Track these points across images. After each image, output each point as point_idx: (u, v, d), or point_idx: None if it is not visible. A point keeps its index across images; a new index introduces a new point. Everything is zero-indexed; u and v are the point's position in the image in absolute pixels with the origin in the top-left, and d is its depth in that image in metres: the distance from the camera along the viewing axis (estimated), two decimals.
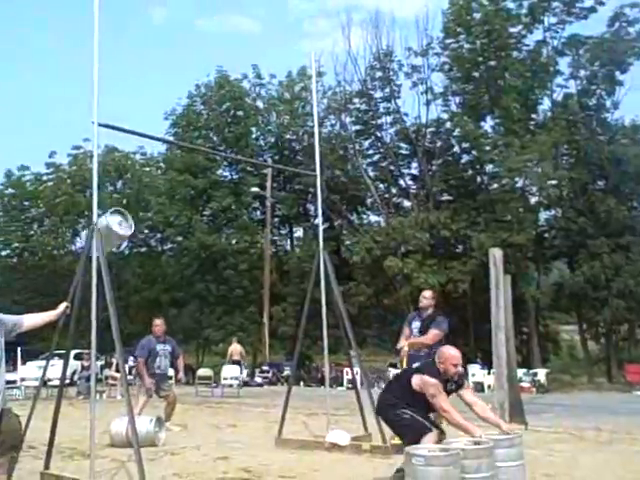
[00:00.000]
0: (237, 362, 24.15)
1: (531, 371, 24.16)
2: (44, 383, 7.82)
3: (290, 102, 36.04)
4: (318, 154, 9.84)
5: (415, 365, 7.15)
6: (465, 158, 32.22)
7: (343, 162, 33.12)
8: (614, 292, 27.11)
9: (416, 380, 6.03)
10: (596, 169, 29.48)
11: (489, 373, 21.50)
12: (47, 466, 6.61)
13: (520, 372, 17.39)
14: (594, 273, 27.21)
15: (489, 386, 21.23)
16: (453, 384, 6.12)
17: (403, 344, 8.61)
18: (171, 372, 12.32)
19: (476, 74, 30.65)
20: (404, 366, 8.88)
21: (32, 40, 79.45)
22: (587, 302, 29.07)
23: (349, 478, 6.28)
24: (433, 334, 8.38)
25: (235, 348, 25.13)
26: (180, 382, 11.63)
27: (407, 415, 6.00)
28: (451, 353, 6.05)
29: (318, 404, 12.98)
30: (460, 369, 6.17)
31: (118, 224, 7.32)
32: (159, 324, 11.39)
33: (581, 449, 8.79)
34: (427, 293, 8.95)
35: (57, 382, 10.85)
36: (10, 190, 38.07)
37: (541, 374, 23.80)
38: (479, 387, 22.14)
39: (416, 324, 8.69)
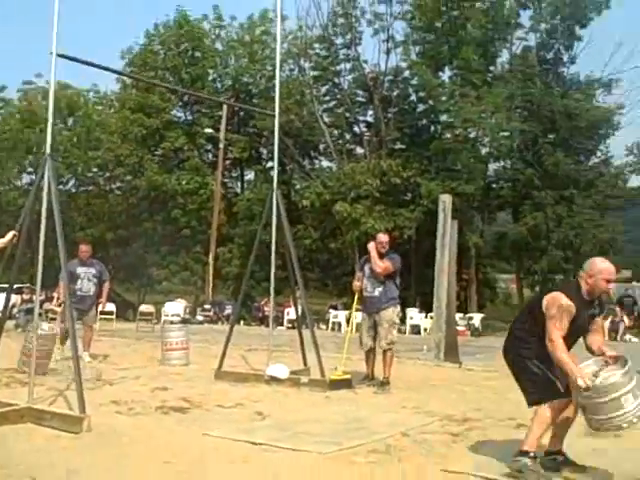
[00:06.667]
0: None
1: (467, 315, 24.86)
2: None
3: (250, 45, 35.54)
4: (278, 94, 9.86)
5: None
6: (421, 107, 32.22)
7: (299, 107, 32.74)
8: (554, 242, 27.83)
9: (546, 298, 4.80)
10: (548, 122, 29.55)
11: (426, 317, 22.42)
12: None
13: (457, 316, 17.91)
14: (537, 223, 27.75)
15: (425, 329, 22.22)
16: (597, 307, 4.92)
17: (357, 284, 9.05)
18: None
19: (438, 24, 30.48)
20: (356, 306, 9.34)
21: None
22: (527, 252, 29.76)
23: (286, 408, 6.49)
24: (386, 264, 8.79)
25: None
26: (102, 304, 11.53)
27: (537, 369, 4.82)
28: (605, 265, 4.84)
29: (258, 341, 13.24)
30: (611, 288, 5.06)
31: None
32: (84, 249, 11.39)
33: (507, 386, 9.19)
34: (384, 238, 9.15)
35: None
36: None
37: (476, 319, 24.42)
38: (416, 329, 22.97)
39: (368, 266, 9.01)
